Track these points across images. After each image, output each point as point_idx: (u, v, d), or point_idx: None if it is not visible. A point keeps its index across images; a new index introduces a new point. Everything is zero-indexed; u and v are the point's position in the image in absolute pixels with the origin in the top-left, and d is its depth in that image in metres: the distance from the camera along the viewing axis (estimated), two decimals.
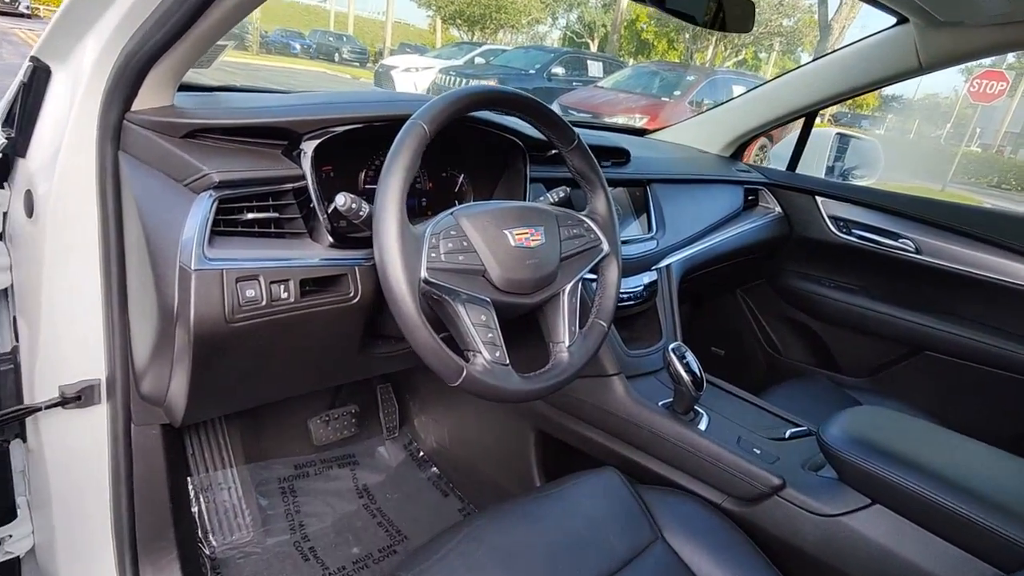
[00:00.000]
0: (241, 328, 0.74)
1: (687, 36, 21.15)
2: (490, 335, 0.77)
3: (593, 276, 0.97)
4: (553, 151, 1.18)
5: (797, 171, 1.89)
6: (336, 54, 21.67)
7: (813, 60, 1.68)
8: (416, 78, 10.28)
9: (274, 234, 0.82)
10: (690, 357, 1.06)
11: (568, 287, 0.89)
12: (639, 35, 25.61)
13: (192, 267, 0.69)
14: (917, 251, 1.63)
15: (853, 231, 1.74)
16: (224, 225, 0.76)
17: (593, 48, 25.14)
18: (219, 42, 1.05)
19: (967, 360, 1.57)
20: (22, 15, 17.05)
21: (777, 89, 1.73)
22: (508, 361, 0.78)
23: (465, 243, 0.78)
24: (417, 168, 0.74)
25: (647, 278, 1.31)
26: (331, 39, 23.01)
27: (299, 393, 1.04)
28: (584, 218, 0.94)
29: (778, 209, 1.84)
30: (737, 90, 8.96)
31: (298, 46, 21.41)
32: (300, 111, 0.84)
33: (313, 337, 0.86)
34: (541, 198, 1.03)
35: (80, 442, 0.90)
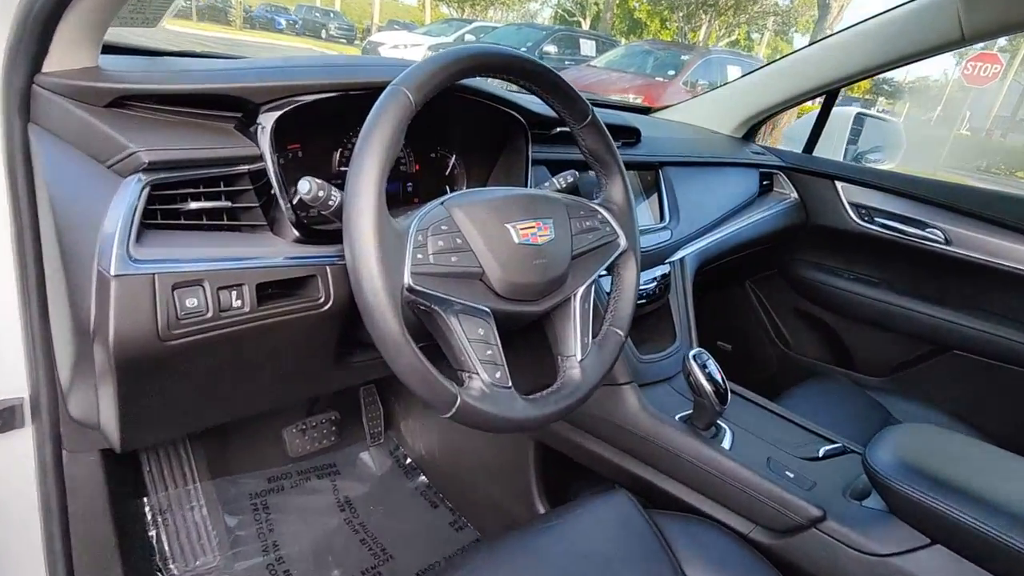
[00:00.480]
0: (180, 346, 0.59)
1: (680, 16, 20.79)
2: (489, 352, 0.63)
3: (606, 274, 0.83)
4: (560, 128, 1.03)
5: (814, 153, 1.75)
6: (323, 31, 21.12)
7: (835, 33, 1.53)
8: (405, 55, 9.98)
9: (226, 227, 0.67)
10: (712, 365, 0.93)
11: (580, 291, 0.75)
12: (632, 14, 25.18)
13: (111, 271, 0.54)
14: (946, 242, 1.50)
15: (875, 219, 1.61)
16: (162, 217, 0.62)
17: (585, 26, 24.69)
18: None
19: (1000, 361, 1.46)
20: None
21: (796, 64, 1.58)
22: (511, 383, 0.65)
23: (459, 240, 0.64)
24: (400, 146, 0.59)
25: (659, 272, 1.17)
26: (318, 15, 22.41)
27: (264, 410, 0.89)
28: (598, 208, 0.80)
29: (794, 195, 1.71)
30: (732, 70, 8.77)
31: (283, 22, 20.81)
32: (257, 76, 0.69)
33: (276, 351, 0.72)
34: (546, 184, 0.89)
35: (2, 472, 0.76)
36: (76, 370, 0.63)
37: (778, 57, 1.69)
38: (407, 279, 0.58)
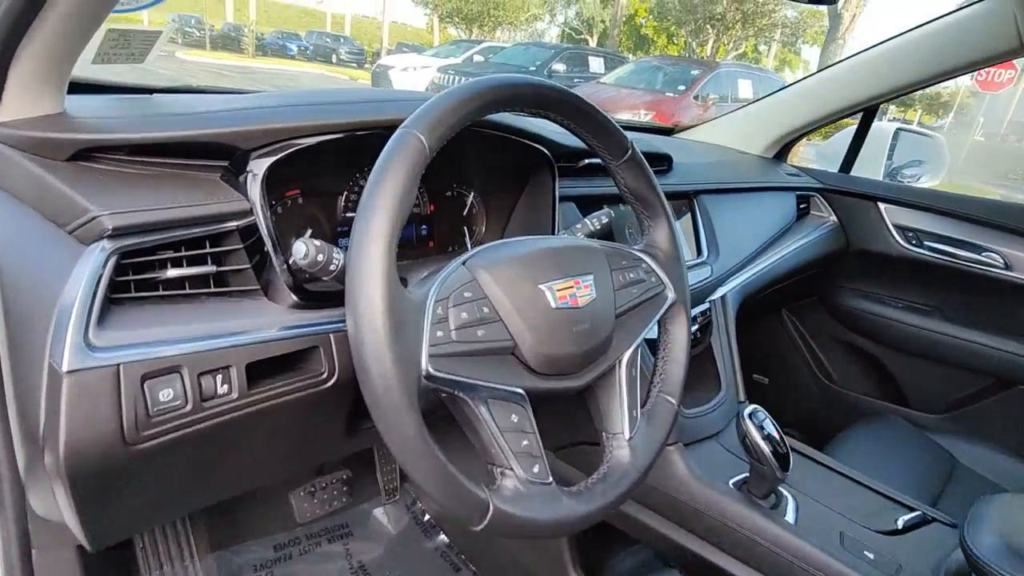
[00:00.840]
0: (152, 448, 0.49)
1: (688, 31, 20.83)
2: (525, 442, 0.53)
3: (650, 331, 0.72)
4: (589, 160, 0.93)
5: (852, 173, 1.64)
6: (333, 55, 21.45)
7: (874, 45, 1.42)
8: (414, 77, 10.01)
9: (213, 294, 0.57)
10: (769, 424, 0.81)
11: (626, 356, 0.64)
12: (638, 30, 25.29)
13: (64, 366, 0.45)
14: (1006, 266, 1.38)
15: (924, 243, 1.49)
16: (136, 288, 0.52)
17: (592, 44, 24.83)
18: (152, 27, 0.81)
19: None
20: None
21: (833, 79, 1.47)
22: (551, 477, 0.54)
23: (486, 309, 0.53)
24: (413, 199, 0.50)
25: (699, 312, 1.06)
26: (328, 40, 22.78)
27: (266, 484, 0.79)
28: (641, 255, 0.70)
29: (833, 218, 1.59)
30: (743, 84, 8.68)
31: (295, 48, 21.16)
32: (245, 117, 0.60)
33: (275, 435, 0.61)
34: (577, 226, 0.78)
35: None
36: (30, 472, 0.53)
37: (810, 72, 1.58)
38: (425, 364, 0.48)
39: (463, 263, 0.55)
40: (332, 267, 0.53)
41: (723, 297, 1.12)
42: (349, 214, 0.78)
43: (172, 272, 0.54)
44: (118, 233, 0.50)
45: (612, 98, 7.99)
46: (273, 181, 0.61)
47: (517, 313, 0.54)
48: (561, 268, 0.59)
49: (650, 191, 0.70)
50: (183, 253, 0.55)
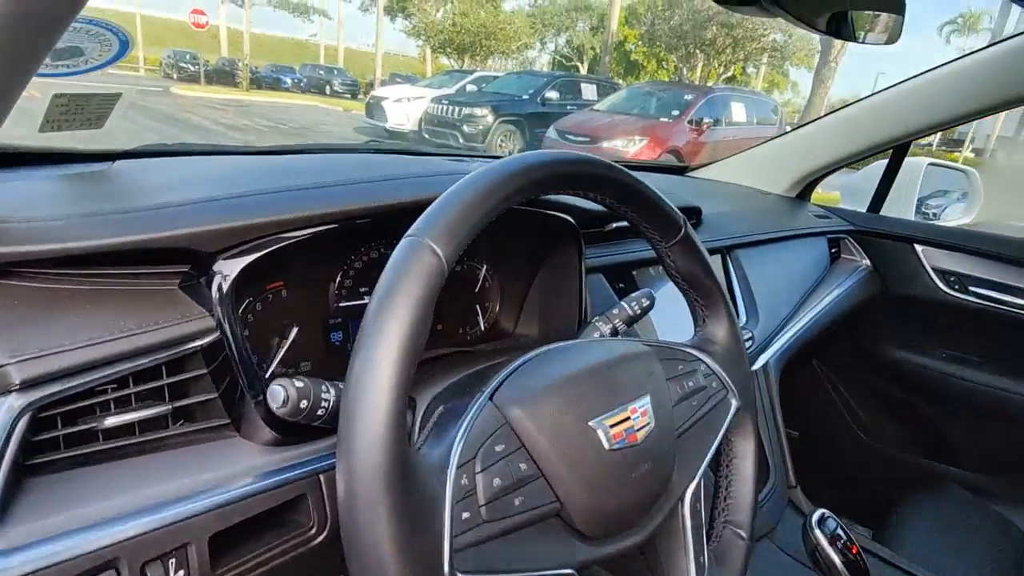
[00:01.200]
0: None
1: (678, 56, 21.11)
2: None
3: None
4: (617, 224, 0.82)
5: (882, 212, 1.53)
6: (327, 86, 21.65)
7: (907, 79, 1.33)
8: (408, 108, 10.00)
9: (171, 438, 0.45)
10: (841, 532, 0.69)
11: (691, 489, 0.52)
12: (628, 56, 25.64)
13: None
14: None
15: (969, 288, 1.37)
16: (68, 444, 0.40)
17: (583, 70, 25.13)
18: (104, 88, 0.70)
19: None
20: None
21: (862, 115, 1.37)
22: None
23: (523, 465, 0.41)
24: (428, 326, 0.37)
25: None
26: (321, 72, 23.00)
27: None
28: (698, 354, 0.57)
29: (866, 262, 1.48)
30: (736, 107, 8.69)
31: (289, 80, 21.35)
32: (210, 212, 0.48)
33: None
34: (614, 311, 0.66)
35: None
36: None
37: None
38: (447, 565, 0.35)
39: (490, 398, 0.43)
40: (320, 411, 0.41)
41: (765, 366, 1.00)
42: (344, 303, 0.65)
43: (111, 421, 0.41)
44: (31, 384, 0.37)
45: (606, 125, 7.98)
46: (249, 277, 0.49)
47: (564, 464, 0.41)
48: (612, 392, 0.46)
49: (706, 275, 0.58)
50: (130, 390, 0.43)
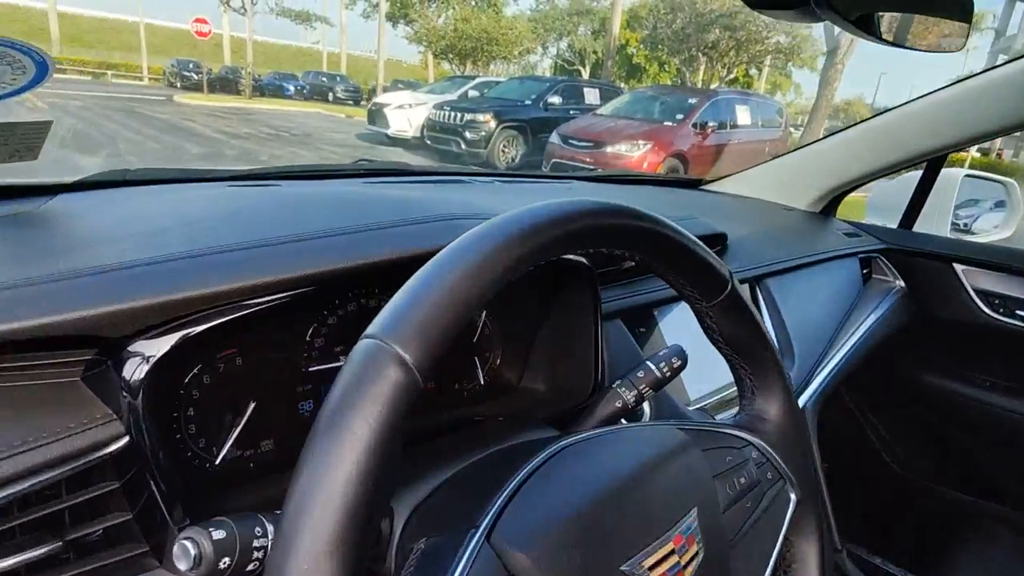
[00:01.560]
0: None
1: (680, 60, 20.99)
2: None
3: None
4: (631, 263, 0.71)
5: (915, 228, 1.42)
6: (330, 93, 21.68)
7: (943, 87, 1.21)
8: (410, 114, 9.92)
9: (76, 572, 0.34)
10: None
11: None
12: (630, 60, 25.57)
13: None
14: None
15: (1015, 312, 1.26)
16: None
17: (585, 75, 25.07)
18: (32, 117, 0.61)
19: None
20: None
21: (892, 125, 1.26)
22: None
23: None
24: (395, 467, 0.27)
25: None
26: (324, 79, 23.04)
27: None
28: (749, 438, 0.46)
29: (900, 282, 1.36)
30: (740, 110, 8.57)
31: (292, 88, 21.38)
32: (127, 282, 0.37)
33: None
34: (639, 374, 0.55)
35: None
36: None
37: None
38: None
39: (486, 538, 0.31)
40: (252, 566, 0.30)
41: (803, 409, 0.89)
42: (315, 367, 0.54)
43: None
44: None
45: (610, 129, 7.89)
46: (194, 347, 0.39)
47: None
48: (649, 516, 0.35)
49: (756, 340, 0.47)
50: (13, 522, 0.32)
